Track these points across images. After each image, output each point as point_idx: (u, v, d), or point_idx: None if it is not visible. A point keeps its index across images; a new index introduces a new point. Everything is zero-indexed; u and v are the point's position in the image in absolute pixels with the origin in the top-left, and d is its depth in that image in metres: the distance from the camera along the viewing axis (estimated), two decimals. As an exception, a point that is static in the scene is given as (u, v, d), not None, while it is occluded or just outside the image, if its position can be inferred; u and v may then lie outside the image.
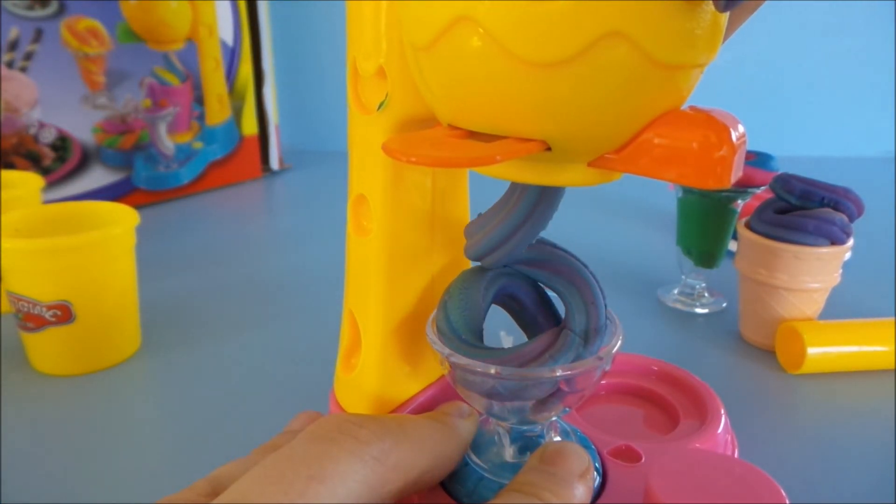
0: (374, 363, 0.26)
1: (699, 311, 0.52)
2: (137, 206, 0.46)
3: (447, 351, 0.23)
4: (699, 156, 0.16)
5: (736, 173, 0.17)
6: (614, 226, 0.74)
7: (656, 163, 0.17)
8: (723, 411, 0.30)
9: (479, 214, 0.24)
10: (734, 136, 0.16)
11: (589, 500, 0.22)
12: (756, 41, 1.06)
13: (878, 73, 1.10)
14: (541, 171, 0.19)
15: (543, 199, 0.22)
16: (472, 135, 0.18)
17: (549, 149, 0.18)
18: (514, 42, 0.16)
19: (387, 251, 0.25)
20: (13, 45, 0.66)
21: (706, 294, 0.54)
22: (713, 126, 0.16)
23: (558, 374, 0.22)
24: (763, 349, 0.46)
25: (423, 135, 0.19)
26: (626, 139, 0.18)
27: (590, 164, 0.19)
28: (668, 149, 0.17)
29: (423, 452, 0.22)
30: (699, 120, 0.17)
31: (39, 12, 0.68)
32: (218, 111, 0.87)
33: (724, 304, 0.53)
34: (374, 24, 0.23)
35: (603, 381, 0.33)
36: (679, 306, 0.53)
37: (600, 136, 0.18)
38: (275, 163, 0.96)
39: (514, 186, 0.22)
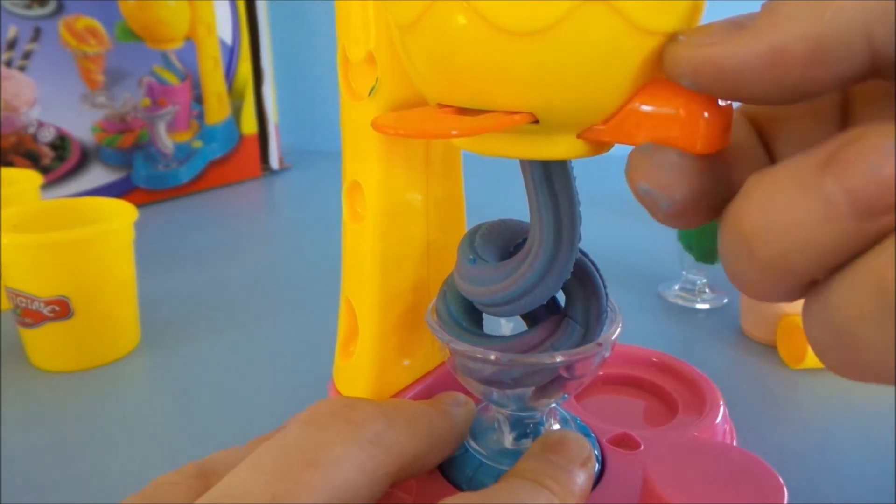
0: (371, 350, 0.26)
1: (700, 306, 0.52)
2: (137, 205, 0.46)
3: (448, 337, 0.23)
4: (686, 122, 0.16)
5: (724, 139, 0.17)
6: (615, 221, 0.74)
7: (644, 130, 0.17)
8: (721, 402, 0.30)
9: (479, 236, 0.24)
10: (720, 100, 0.16)
11: (590, 488, 0.22)
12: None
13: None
14: (531, 144, 0.19)
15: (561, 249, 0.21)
16: (461, 111, 0.18)
17: (536, 121, 0.18)
18: (495, 12, 0.16)
19: (381, 237, 0.25)
20: (12, 44, 0.66)
21: (707, 290, 0.53)
22: (695, 94, 0.16)
23: (558, 360, 0.22)
24: (764, 344, 0.46)
25: (412, 112, 0.19)
26: (612, 108, 0.18)
27: (579, 136, 0.19)
28: (654, 116, 0.17)
29: (418, 435, 0.22)
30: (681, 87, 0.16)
31: (38, 11, 0.68)
32: (217, 110, 0.86)
33: (726, 300, 0.53)
34: (361, 11, 0.23)
35: (602, 372, 0.33)
36: (680, 302, 0.53)
37: (586, 106, 0.18)
38: (274, 162, 0.96)
39: (531, 242, 0.22)
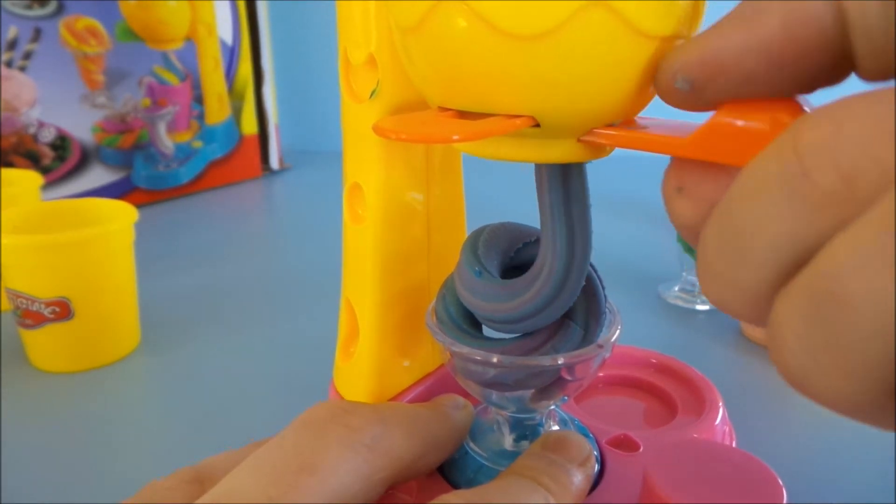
0: (371, 351, 0.26)
1: (700, 307, 0.52)
2: (137, 206, 0.46)
3: (448, 340, 0.23)
4: (771, 138, 0.14)
5: None
6: (615, 222, 0.74)
7: (726, 147, 0.16)
8: (721, 402, 0.30)
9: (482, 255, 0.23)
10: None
11: (588, 488, 0.22)
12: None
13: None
14: (532, 148, 0.19)
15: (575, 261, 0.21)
16: (463, 114, 0.19)
17: (538, 125, 0.18)
18: (497, 15, 0.16)
19: (381, 238, 0.25)
20: (12, 45, 0.66)
21: (707, 290, 0.53)
22: (784, 105, 0.15)
23: (560, 362, 0.22)
24: (764, 345, 0.46)
25: (413, 115, 0.19)
26: (613, 112, 0.18)
27: (580, 139, 0.18)
28: (737, 131, 0.15)
29: (415, 438, 0.22)
30: (769, 100, 0.15)
31: (38, 11, 0.68)
32: (217, 110, 0.86)
33: (725, 301, 0.53)
34: (363, 14, 0.23)
35: (601, 373, 0.33)
36: (680, 303, 0.53)
37: (587, 110, 0.18)
38: (275, 162, 0.96)
39: (542, 259, 0.22)
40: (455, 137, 0.17)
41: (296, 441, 0.20)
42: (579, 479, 0.22)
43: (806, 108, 0.15)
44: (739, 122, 0.15)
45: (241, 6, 0.87)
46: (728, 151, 0.16)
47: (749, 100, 0.15)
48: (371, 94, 0.23)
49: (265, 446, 0.20)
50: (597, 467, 0.26)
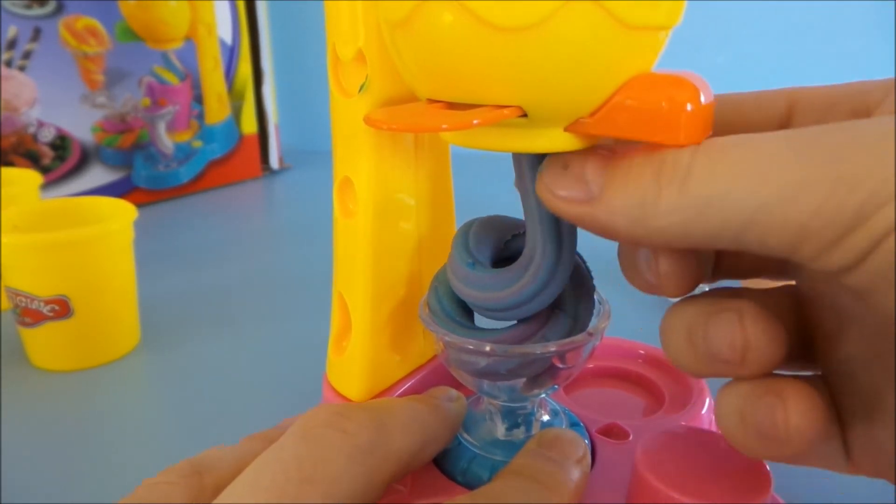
0: (364, 344, 0.26)
1: (698, 305, 0.52)
2: (137, 205, 0.46)
3: (442, 331, 0.24)
4: (668, 115, 0.17)
5: (705, 132, 0.17)
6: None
7: (628, 124, 0.17)
8: (707, 392, 0.30)
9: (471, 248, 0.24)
10: (702, 96, 0.17)
11: (585, 485, 0.22)
12: (755, 42, 1.06)
13: (877, 76, 1.09)
14: (519, 137, 0.19)
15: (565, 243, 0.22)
16: (451, 106, 0.19)
17: (525, 115, 0.18)
18: (485, 8, 0.16)
19: (372, 232, 0.25)
20: (12, 44, 0.67)
21: (707, 289, 0.53)
22: (681, 86, 0.17)
23: (551, 349, 0.22)
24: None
25: (403, 107, 0.19)
26: (599, 101, 0.18)
27: (566, 129, 0.19)
28: (638, 110, 0.17)
29: (411, 435, 0.22)
30: (668, 81, 0.17)
31: (38, 11, 0.68)
32: (217, 110, 0.87)
33: (724, 297, 0.53)
34: (351, 10, 0.23)
35: (590, 365, 0.33)
36: (679, 300, 0.53)
37: (573, 100, 0.18)
38: (274, 162, 0.97)
39: (532, 245, 0.22)
40: (444, 126, 0.17)
41: (294, 451, 0.20)
42: (577, 476, 0.22)
43: (702, 92, 0.17)
44: (637, 102, 0.17)
45: (241, 6, 0.87)
46: (628, 128, 0.18)
47: (649, 79, 0.17)
48: (360, 90, 0.23)
49: (264, 457, 0.20)
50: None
